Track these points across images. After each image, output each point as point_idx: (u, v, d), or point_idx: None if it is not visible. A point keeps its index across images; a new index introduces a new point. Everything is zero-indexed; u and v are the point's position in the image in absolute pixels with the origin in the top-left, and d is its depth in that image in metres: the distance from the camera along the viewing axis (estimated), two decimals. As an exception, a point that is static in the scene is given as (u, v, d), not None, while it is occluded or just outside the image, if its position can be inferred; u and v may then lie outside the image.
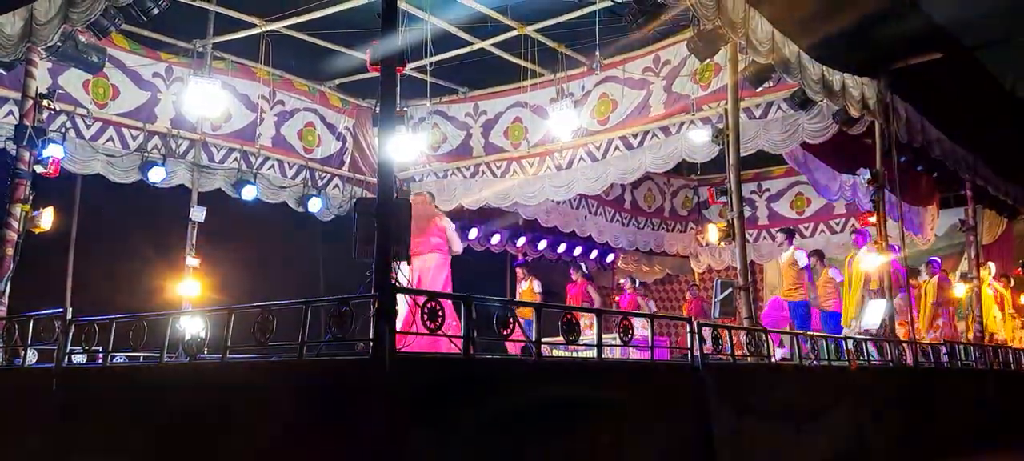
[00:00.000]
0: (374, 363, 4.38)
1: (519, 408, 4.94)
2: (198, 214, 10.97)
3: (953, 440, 9.00)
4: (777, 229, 15.36)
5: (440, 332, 5.02)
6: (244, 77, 11.85)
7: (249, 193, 11.74)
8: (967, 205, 13.40)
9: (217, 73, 11.09)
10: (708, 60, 9.90)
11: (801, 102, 9.80)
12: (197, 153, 11.46)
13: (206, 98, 10.50)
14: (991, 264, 14.54)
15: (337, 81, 12.85)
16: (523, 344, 6.58)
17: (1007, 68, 10.66)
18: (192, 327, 6.09)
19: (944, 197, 14.39)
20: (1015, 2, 8.59)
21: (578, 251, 16.66)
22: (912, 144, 10.65)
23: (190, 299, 10.51)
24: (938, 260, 13.60)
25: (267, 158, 12.30)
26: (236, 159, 11.89)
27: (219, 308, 6.00)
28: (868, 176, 10.29)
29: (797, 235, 15.32)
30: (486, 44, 11.30)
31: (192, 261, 10.76)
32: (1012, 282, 14.96)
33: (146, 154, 10.83)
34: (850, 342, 8.50)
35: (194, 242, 10.88)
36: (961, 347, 10.75)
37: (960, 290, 13.48)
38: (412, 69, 11.42)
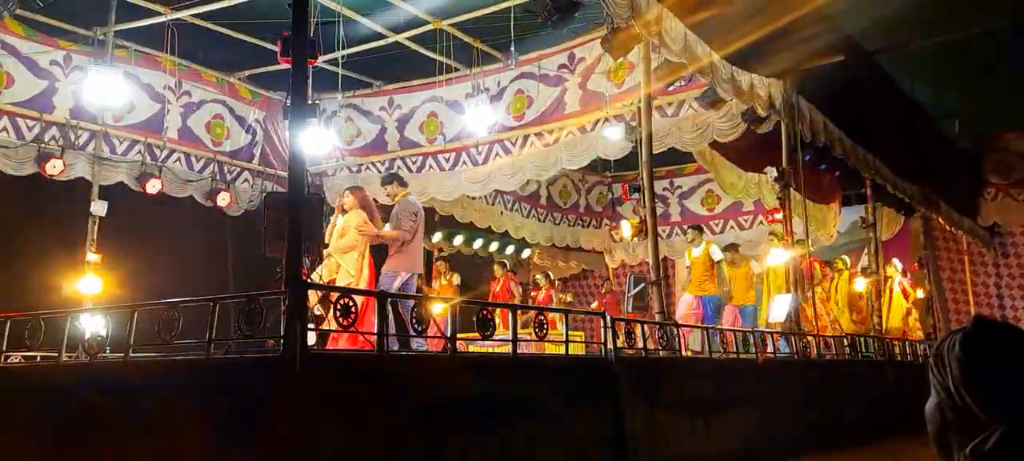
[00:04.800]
0: (285, 362, 4.28)
1: (434, 405, 4.91)
2: (99, 208, 10.58)
3: (855, 429, 9.34)
4: (688, 226, 15.70)
5: (353, 329, 4.94)
6: (148, 67, 11.45)
7: (154, 186, 11.38)
8: (867, 203, 13.91)
9: (119, 62, 10.67)
10: (622, 58, 10.02)
11: (711, 101, 10.01)
12: (98, 145, 11.03)
13: (107, 88, 10.11)
14: (896, 260, 15.14)
15: (247, 72, 12.54)
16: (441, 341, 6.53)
17: (905, 71, 11.11)
18: (93, 325, 5.87)
19: (846, 195, 14.92)
20: (913, 10, 8.94)
21: (494, 246, 16.67)
22: (816, 143, 10.99)
23: (90, 296, 10.11)
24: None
25: (173, 150, 11.93)
26: (140, 151, 11.49)
27: (121, 306, 5.79)
28: (775, 174, 10.59)
29: (708, 231, 15.72)
30: (401, 37, 11.18)
31: (93, 257, 10.37)
32: (909, 276, 15.61)
33: (43, 145, 10.38)
34: (758, 335, 8.74)
35: (95, 237, 10.50)
36: (862, 340, 11.16)
37: (860, 284, 14.00)
38: (325, 62, 11.20)
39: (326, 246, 8.49)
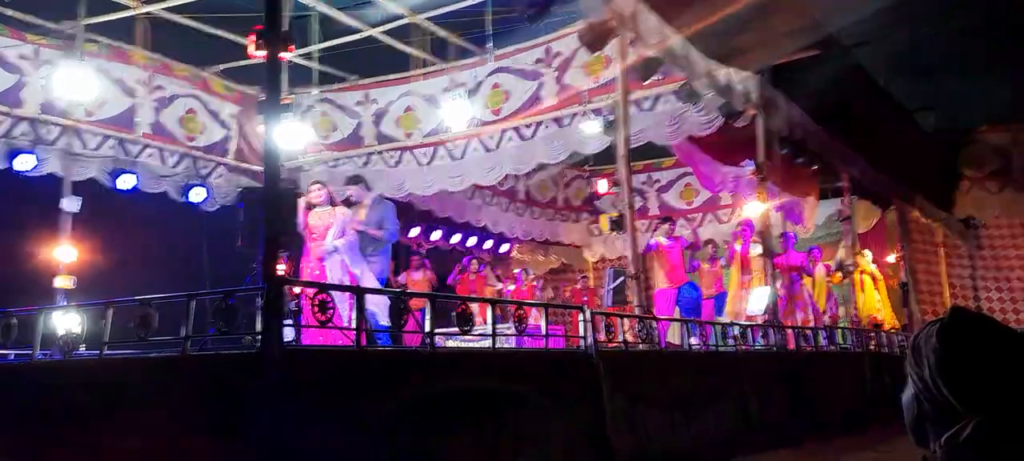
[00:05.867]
0: (262, 358, 4.23)
1: (414, 401, 4.88)
2: (71, 204, 10.41)
3: (832, 420, 9.41)
4: (659, 218, 15.77)
5: (331, 325, 4.91)
6: (120, 61, 11.27)
7: (127, 182, 11.22)
8: (844, 196, 14.01)
9: (90, 56, 10.50)
10: (598, 52, 10.01)
11: (688, 95, 10.04)
12: (69, 140, 10.87)
13: (78, 82, 9.95)
14: (867, 251, 15.31)
15: (220, 66, 12.40)
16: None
17: (881, 65, 11.17)
18: (67, 323, 5.79)
19: (823, 189, 15.02)
20: (891, 5, 8.99)
21: (473, 241, 16.65)
22: (792, 137, 11.05)
23: (64, 292, 9.98)
24: (817, 249, 14.22)
25: (146, 146, 11.76)
26: (112, 146, 11.30)
27: (96, 302, 5.70)
28: (752, 168, 10.64)
29: (687, 223, 15.82)
30: (376, 32, 11.12)
31: (65, 253, 10.22)
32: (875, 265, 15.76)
33: (13, 141, 10.20)
34: (736, 328, 8.78)
35: (68, 234, 10.35)
36: (839, 332, 11.26)
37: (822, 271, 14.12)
38: (299, 56, 11.14)
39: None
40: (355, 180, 9.00)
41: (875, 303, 14.75)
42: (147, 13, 10.22)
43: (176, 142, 12.19)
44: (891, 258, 16.32)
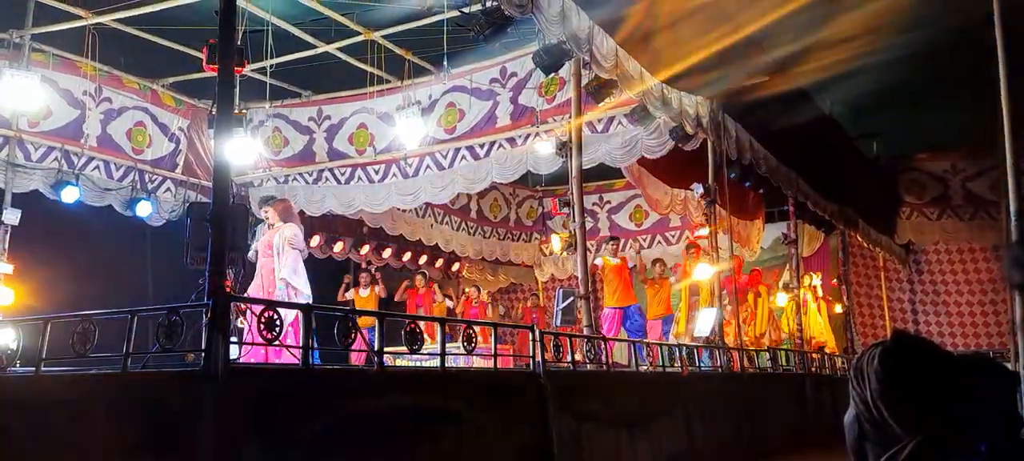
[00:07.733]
0: (205, 375, 4.17)
1: (360, 420, 4.84)
2: (11, 216, 10.15)
3: (774, 439, 9.54)
4: (606, 239, 15.87)
5: (277, 343, 4.85)
6: (67, 72, 11.06)
7: (70, 195, 10.98)
8: (789, 220, 14.27)
9: (37, 66, 10.27)
10: (553, 74, 10.09)
11: (641, 118, 10.15)
12: (12, 151, 10.60)
13: (24, 92, 9.69)
14: (817, 276, 15.61)
15: (170, 79, 12.24)
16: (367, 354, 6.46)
17: (826, 93, 11.43)
18: (2, 338, 5.62)
19: (769, 212, 15.29)
20: (833, 36, 9.21)
21: (424, 260, 16.59)
22: (741, 161, 11.23)
23: (1, 308, 9.71)
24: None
25: (91, 158, 11.54)
26: (57, 158, 11.08)
27: (33, 318, 5.55)
28: (701, 190, 10.78)
29: (635, 245, 15.91)
30: (332, 48, 11.06)
31: (4, 267, 9.95)
32: (818, 289, 16.07)
33: (-48, 151, 9.95)
34: (683, 349, 8.87)
35: (6, 247, 10.07)
36: (782, 353, 11.42)
37: (781, 300, 14.35)
38: (252, 70, 11.02)
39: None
40: (269, 200, 9.01)
41: (820, 327, 15.05)
42: (97, 24, 10.03)
43: (123, 155, 11.98)
44: (833, 281, 16.65)
